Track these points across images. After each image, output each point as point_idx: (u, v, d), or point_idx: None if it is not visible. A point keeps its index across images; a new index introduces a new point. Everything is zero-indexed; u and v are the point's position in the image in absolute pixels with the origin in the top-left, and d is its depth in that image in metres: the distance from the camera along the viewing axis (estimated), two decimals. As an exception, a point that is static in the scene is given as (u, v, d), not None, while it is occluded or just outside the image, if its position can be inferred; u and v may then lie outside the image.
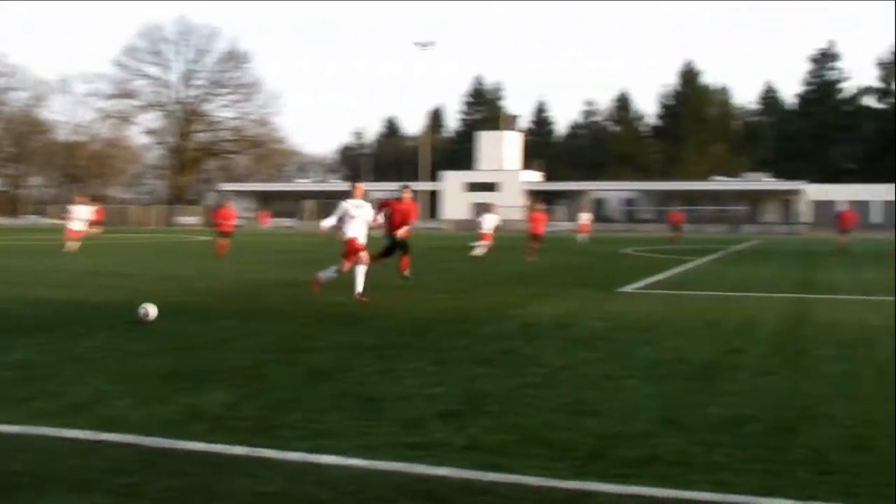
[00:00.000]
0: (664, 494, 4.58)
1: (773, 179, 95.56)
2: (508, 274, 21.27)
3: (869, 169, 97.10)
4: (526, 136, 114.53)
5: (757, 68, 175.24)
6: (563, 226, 75.25)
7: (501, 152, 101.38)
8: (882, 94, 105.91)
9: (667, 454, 5.30)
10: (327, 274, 14.28)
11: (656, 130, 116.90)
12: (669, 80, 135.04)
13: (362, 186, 14.52)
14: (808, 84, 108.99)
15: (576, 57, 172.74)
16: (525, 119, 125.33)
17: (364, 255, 13.87)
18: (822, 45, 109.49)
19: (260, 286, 16.86)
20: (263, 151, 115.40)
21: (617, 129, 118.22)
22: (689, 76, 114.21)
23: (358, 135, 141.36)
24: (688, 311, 12.99)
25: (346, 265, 13.96)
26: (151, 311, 10.74)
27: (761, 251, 38.27)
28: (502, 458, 5.17)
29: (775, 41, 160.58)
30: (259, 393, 6.87)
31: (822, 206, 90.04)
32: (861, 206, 64.43)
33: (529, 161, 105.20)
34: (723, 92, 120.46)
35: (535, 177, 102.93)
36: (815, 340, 10.11)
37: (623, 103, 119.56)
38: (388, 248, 17.31)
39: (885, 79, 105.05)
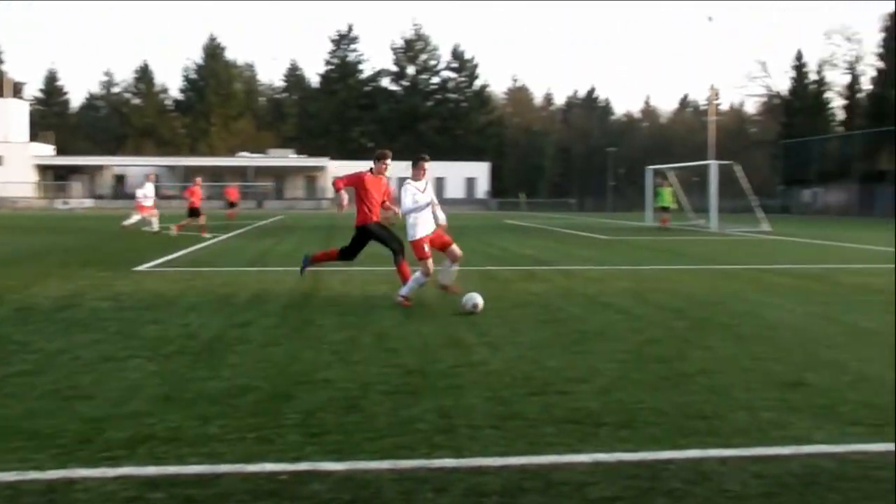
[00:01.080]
0: (152, 472, 4.50)
1: (298, 156, 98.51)
2: (7, 254, 19.79)
3: (386, 147, 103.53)
4: (34, 106, 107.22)
5: (282, 47, 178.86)
6: (81, 203, 71.91)
7: (6, 123, 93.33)
8: (396, 76, 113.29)
9: (161, 432, 5.21)
10: (419, 282, 11.11)
11: (180, 104, 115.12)
12: (194, 54, 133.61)
13: (426, 164, 11.31)
14: (330, 64, 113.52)
15: (91, 26, 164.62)
16: (33, 88, 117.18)
17: (455, 248, 11.26)
18: (342, 27, 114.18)
19: None
20: None
21: (138, 101, 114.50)
22: (213, 51, 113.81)
23: None
24: (201, 288, 12.91)
25: (429, 266, 11.04)
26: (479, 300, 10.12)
27: (284, 226, 39.27)
28: (-25, 455, 4.76)
29: (298, 22, 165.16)
30: None
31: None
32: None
33: (39, 133, 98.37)
34: (248, 68, 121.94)
35: (46, 150, 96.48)
36: (322, 311, 10.52)
37: (144, 76, 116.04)
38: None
39: (399, 62, 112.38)
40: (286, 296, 12.01)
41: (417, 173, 11.20)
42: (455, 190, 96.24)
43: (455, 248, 11.31)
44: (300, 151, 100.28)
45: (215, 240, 25.87)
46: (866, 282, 14.44)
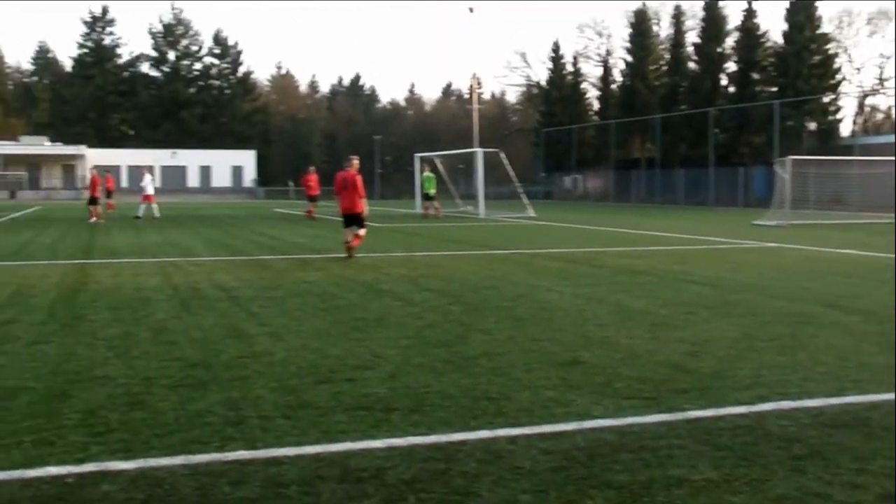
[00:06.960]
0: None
1: (52, 144, 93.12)
2: None
3: (148, 135, 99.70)
4: None
5: (29, 27, 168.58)
6: None
7: None
8: (156, 62, 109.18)
9: (-74, 440, 4.83)
10: None
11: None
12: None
13: None
14: (84, 47, 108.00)
15: None
16: None
17: None
18: (96, 9, 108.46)
19: None
20: None
21: None
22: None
23: None
24: (-43, 284, 12.06)
25: None
26: None
27: (42, 217, 37.17)
28: None
29: (46, 2, 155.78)
30: None
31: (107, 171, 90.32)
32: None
33: None
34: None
35: None
36: (93, 305, 10.07)
37: None
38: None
39: (158, 47, 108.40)
40: (53, 290, 11.40)
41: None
42: (221, 179, 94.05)
43: None
44: (55, 139, 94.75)
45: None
46: (629, 263, 15.30)
